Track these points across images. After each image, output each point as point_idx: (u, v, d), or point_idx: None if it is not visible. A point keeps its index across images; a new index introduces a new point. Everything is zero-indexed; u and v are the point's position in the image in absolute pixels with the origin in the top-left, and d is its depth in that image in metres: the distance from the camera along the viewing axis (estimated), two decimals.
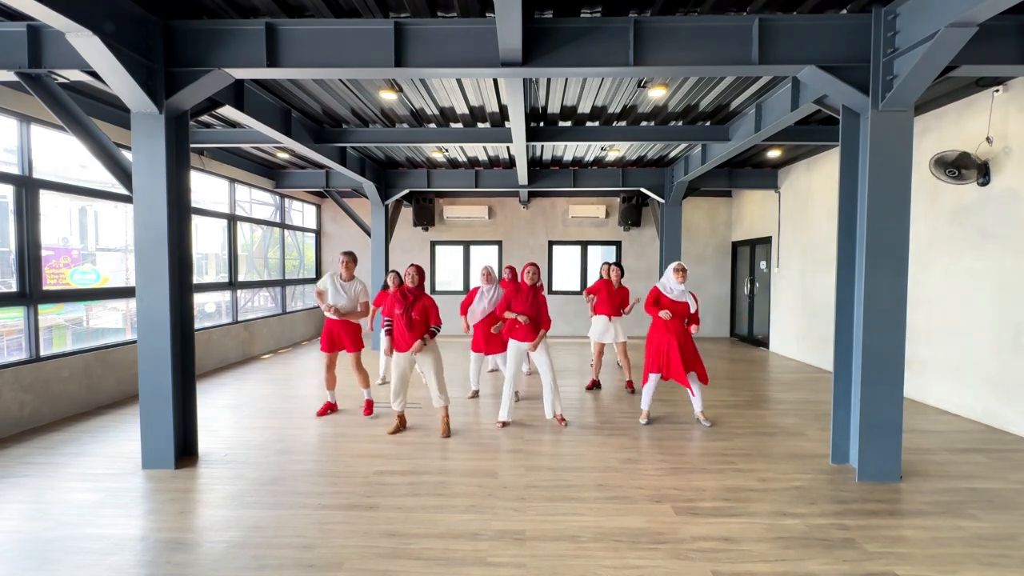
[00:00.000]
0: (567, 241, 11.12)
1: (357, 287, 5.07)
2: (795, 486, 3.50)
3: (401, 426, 4.64)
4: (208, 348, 7.32)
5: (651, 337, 4.77)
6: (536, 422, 4.88)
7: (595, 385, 6.26)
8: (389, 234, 9.52)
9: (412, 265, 4.46)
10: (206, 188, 7.76)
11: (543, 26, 3.70)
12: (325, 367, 5.08)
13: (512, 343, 4.75)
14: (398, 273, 5.79)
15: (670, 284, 4.69)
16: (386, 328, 4.44)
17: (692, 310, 4.67)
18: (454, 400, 5.56)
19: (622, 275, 6.20)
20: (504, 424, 4.78)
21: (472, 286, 11.04)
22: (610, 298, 6.02)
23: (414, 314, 4.32)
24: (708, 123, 6.29)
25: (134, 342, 5.82)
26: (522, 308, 4.65)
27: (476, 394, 5.87)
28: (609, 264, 6.19)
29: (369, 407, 5.14)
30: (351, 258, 5.04)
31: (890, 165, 3.53)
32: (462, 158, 8.33)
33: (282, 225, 9.83)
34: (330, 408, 5.21)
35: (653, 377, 4.77)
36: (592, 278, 10.92)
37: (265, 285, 9.31)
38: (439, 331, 4.45)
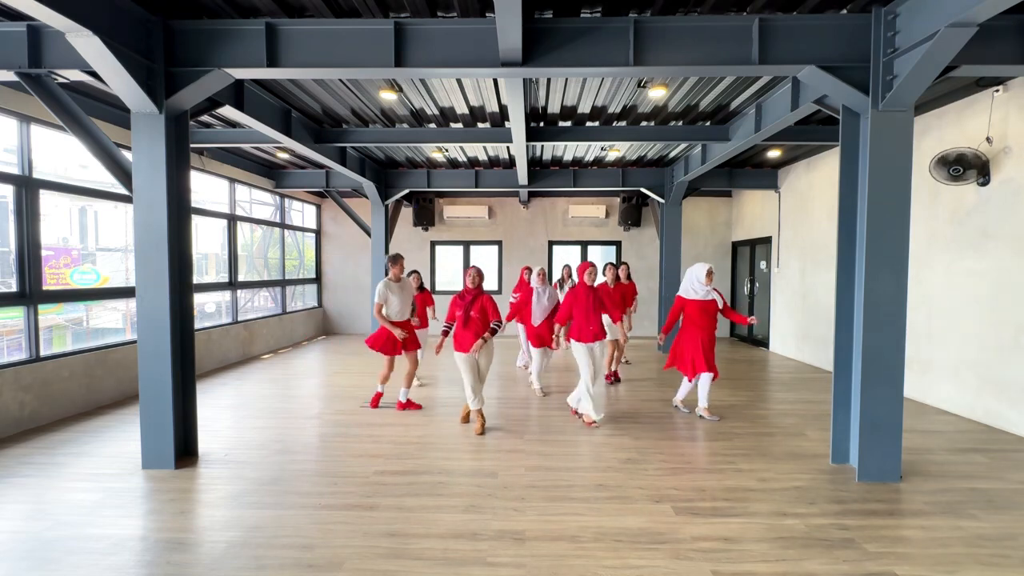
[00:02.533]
0: (567, 241, 11.12)
1: (405, 283, 5.31)
2: (795, 486, 3.50)
3: (484, 422, 4.65)
4: (208, 348, 7.32)
5: (681, 336, 4.96)
6: (536, 422, 4.88)
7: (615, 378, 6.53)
8: (389, 234, 9.52)
9: (474, 267, 4.66)
10: (206, 188, 7.77)
11: (543, 26, 3.70)
12: (387, 365, 5.27)
13: (578, 345, 4.71)
14: (418, 273, 6.14)
15: (695, 287, 4.84)
16: (444, 329, 4.66)
17: (720, 305, 4.89)
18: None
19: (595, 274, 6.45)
20: (580, 415, 4.85)
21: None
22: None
23: (472, 312, 4.52)
24: (708, 123, 6.28)
25: (134, 342, 5.82)
26: (581, 311, 4.69)
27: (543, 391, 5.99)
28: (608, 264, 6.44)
29: (376, 401, 5.35)
30: (400, 259, 5.31)
31: (890, 165, 3.52)
32: (462, 158, 8.33)
33: (282, 225, 9.83)
34: (379, 397, 5.44)
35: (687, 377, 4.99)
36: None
37: (265, 285, 9.31)
38: (500, 326, 4.59)
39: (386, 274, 5.29)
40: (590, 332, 4.66)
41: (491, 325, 4.54)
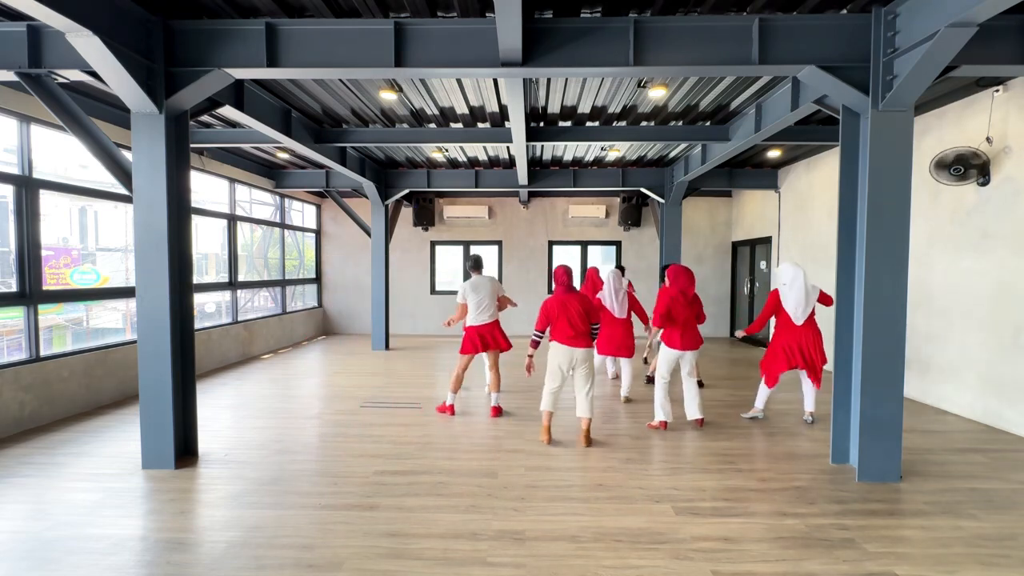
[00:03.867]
0: (567, 241, 11.13)
1: (478, 284, 5.25)
2: (795, 486, 3.50)
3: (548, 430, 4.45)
4: (208, 348, 7.32)
5: (778, 335, 4.82)
6: (536, 422, 4.88)
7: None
8: (389, 234, 9.52)
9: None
10: (206, 188, 7.76)
11: (543, 26, 3.70)
12: (462, 367, 5.11)
13: (668, 350, 4.70)
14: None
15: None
16: (536, 339, 4.43)
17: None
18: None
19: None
20: (664, 424, 4.71)
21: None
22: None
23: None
24: (708, 123, 6.28)
25: (134, 342, 5.81)
26: (685, 313, 4.69)
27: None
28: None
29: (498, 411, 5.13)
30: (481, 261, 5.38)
31: (890, 165, 3.52)
32: (462, 158, 8.33)
33: (282, 225, 9.83)
34: (451, 410, 5.17)
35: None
36: None
37: (265, 285, 9.31)
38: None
39: (473, 273, 5.34)
40: (698, 338, 4.71)
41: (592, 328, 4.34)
